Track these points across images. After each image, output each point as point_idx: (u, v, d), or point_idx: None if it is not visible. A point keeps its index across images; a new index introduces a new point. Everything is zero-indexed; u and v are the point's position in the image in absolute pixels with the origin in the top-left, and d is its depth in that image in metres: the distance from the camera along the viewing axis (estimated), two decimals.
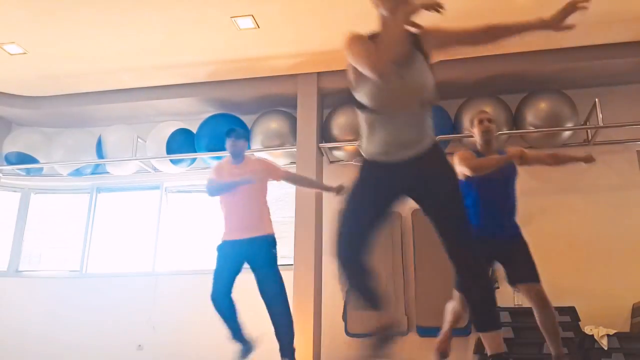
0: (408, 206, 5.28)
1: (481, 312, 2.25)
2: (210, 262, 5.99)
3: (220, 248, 4.03)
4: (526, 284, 3.11)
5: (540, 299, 3.08)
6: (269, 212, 4.13)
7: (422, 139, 2.22)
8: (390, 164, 2.22)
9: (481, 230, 3.12)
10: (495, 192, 3.24)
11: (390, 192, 2.25)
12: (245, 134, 4.24)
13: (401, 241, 5.39)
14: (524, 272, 3.13)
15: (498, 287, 5.09)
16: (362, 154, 2.33)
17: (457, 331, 5.02)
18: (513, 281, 3.21)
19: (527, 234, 5.63)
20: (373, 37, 2.26)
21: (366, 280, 2.25)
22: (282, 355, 3.85)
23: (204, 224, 6.17)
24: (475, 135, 3.38)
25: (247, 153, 5.74)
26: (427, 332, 5.06)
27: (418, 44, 2.21)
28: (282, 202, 5.98)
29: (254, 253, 3.92)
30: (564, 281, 5.06)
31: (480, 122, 3.34)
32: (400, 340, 5.15)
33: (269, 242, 3.98)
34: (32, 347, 5.87)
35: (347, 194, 2.29)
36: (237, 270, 3.97)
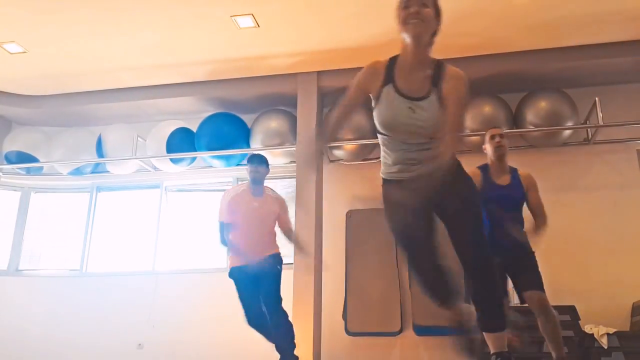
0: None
1: (489, 313, 2.24)
2: (210, 260, 6.02)
3: (233, 274, 4.08)
4: (530, 292, 3.31)
5: (543, 305, 3.29)
6: (276, 235, 4.23)
7: (436, 158, 2.17)
8: (405, 179, 2.23)
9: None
10: (501, 207, 3.32)
11: (416, 204, 2.20)
12: (266, 160, 4.25)
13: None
14: (529, 281, 3.32)
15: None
16: (381, 175, 2.38)
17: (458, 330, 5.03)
18: (519, 289, 3.39)
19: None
20: (393, 60, 2.27)
21: (447, 282, 2.29)
22: None
23: (204, 223, 6.17)
24: (487, 151, 3.48)
25: (247, 152, 5.77)
26: (424, 331, 5.05)
27: (438, 78, 2.17)
28: None
29: (262, 269, 4.00)
30: (564, 280, 5.06)
31: (492, 137, 3.42)
32: (397, 339, 5.17)
33: (275, 259, 4.10)
34: (33, 346, 5.88)
35: (386, 218, 2.30)
36: (258, 291, 4.03)
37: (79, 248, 6.34)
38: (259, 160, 4.18)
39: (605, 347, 4.40)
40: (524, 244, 3.36)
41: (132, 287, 5.94)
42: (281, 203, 4.27)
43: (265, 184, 4.25)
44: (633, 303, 4.82)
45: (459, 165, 2.28)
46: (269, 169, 4.30)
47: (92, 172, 6.31)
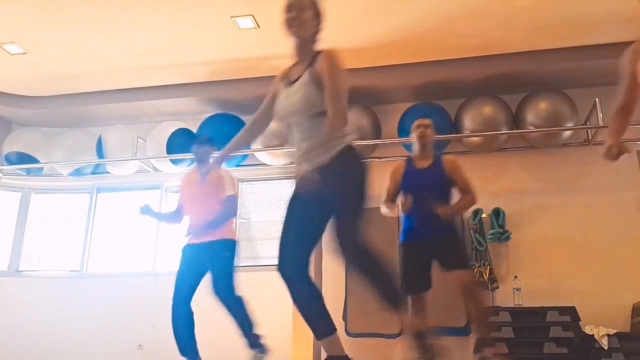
0: None
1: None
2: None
3: (181, 251, 4.07)
4: (455, 272, 3.40)
5: (466, 285, 3.38)
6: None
7: (325, 147, 2.25)
8: (309, 172, 2.24)
9: (415, 231, 3.53)
10: (423, 195, 3.50)
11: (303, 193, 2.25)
12: (209, 139, 4.16)
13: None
14: (453, 261, 3.43)
15: (497, 287, 5.10)
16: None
17: (457, 331, 5.03)
18: (444, 269, 3.47)
19: (527, 233, 5.65)
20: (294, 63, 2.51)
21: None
22: (251, 347, 3.88)
23: None
24: (412, 139, 3.74)
25: (247, 154, 5.77)
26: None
27: (313, 62, 2.35)
28: (282, 202, 5.99)
29: (206, 254, 3.97)
30: (564, 281, 5.06)
31: (417, 127, 3.71)
32: (397, 341, 5.16)
33: (222, 245, 4.00)
34: (33, 347, 5.88)
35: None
36: (197, 275, 4.03)
37: (79, 249, 6.34)
38: (200, 141, 4.09)
39: (606, 348, 4.40)
40: (448, 225, 3.47)
41: (133, 288, 5.94)
42: (224, 180, 4.06)
43: (221, 166, 3.80)
44: (633, 304, 4.82)
45: (348, 149, 2.27)
46: (213, 147, 4.15)
47: (92, 173, 6.31)
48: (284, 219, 2.29)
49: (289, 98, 2.34)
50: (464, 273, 3.41)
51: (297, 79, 2.36)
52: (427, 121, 3.75)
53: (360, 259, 2.17)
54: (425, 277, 3.53)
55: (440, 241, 3.45)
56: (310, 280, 2.23)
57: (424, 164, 3.66)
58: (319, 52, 2.39)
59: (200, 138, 4.15)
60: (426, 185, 3.55)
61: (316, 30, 2.46)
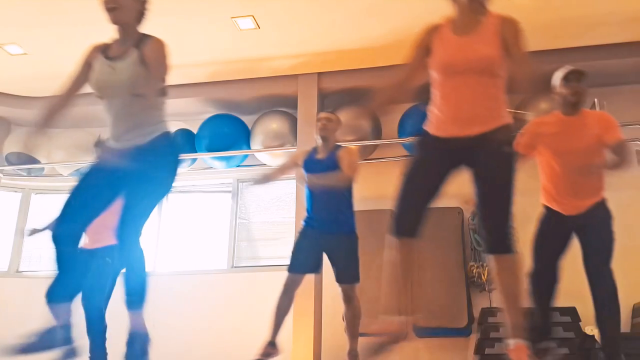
0: None
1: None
2: (210, 262, 6.02)
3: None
4: (342, 285, 3.66)
5: (348, 295, 3.66)
6: None
7: (143, 129, 2.38)
8: (119, 150, 2.37)
9: (310, 221, 3.69)
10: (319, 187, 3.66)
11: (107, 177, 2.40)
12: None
13: None
14: (342, 272, 3.68)
15: (496, 288, 5.09)
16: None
17: (457, 331, 5.02)
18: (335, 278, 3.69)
19: (527, 234, 5.63)
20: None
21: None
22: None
23: (205, 224, 6.17)
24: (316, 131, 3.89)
25: (248, 154, 5.78)
26: (425, 332, 5.04)
27: (141, 44, 2.44)
28: (282, 202, 5.98)
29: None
30: (565, 282, 5.02)
31: (319, 120, 3.86)
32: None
33: (108, 252, 4.12)
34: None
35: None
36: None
37: None
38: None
39: None
40: (345, 230, 3.65)
41: None
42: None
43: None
44: (634, 304, 4.82)
45: (166, 136, 2.48)
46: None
47: None
48: (79, 185, 2.42)
49: (114, 74, 2.38)
50: (347, 286, 3.68)
51: (119, 57, 2.40)
52: (328, 115, 3.88)
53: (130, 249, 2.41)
54: (312, 262, 3.70)
55: (334, 241, 3.62)
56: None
57: (322, 155, 3.80)
58: (145, 36, 2.47)
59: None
60: (318, 175, 3.68)
61: (140, 12, 2.49)
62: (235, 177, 6.21)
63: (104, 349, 3.87)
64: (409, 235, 2.29)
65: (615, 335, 3.01)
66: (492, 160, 2.23)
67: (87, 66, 2.53)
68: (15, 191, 6.58)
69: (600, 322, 3.06)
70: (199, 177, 6.29)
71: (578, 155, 3.09)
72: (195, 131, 5.91)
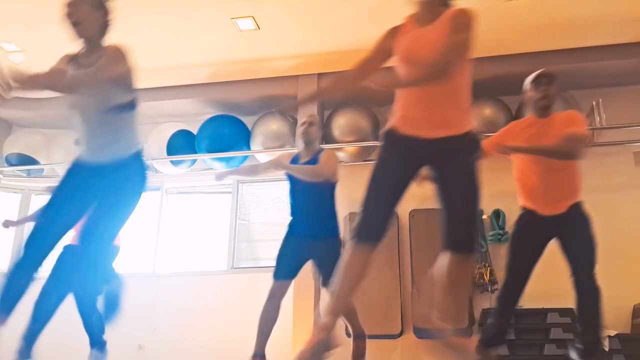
0: (406, 206, 5.28)
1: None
2: (210, 262, 6.01)
3: None
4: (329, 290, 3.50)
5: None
6: None
7: (113, 146, 2.37)
8: (91, 166, 2.37)
9: (294, 226, 3.59)
10: (301, 191, 3.56)
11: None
12: None
13: (398, 241, 5.38)
14: (328, 277, 3.47)
15: (498, 289, 5.09)
16: None
17: (458, 333, 5.02)
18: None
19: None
20: None
21: None
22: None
23: (205, 225, 6.17)
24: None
25: (248, 155, 5.77)
26: (425, 333, 5.04)
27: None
28: (282, 203, 5.98)
29: None
30: (565, 283, 5.00)
31: (302, 124, 3.80)
32: (397, 342, 5.16)
33: None
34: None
35: None
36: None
37: None
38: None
39: (607, 350, 4.39)
40: (328, 235, 3.52)
41: (133, 289, 5.89)
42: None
43: None
44: (634, 305, 4.82)
45: (137, 157, 2.63)
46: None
47: None
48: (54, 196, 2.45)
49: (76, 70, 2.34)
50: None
51: (85, 70, 2.33)
52: (311, 118, 3.81)
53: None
54: (296, 268, 3.57)
55: (319, 246, 3.47)
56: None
57: (304, 159, 3.70)
58: (108, 47, 2.40)
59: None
60: (300, 180, 3.58)
61: (103, 23, 2.44)
62: (235, 178, 6.21)
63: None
64: (376, 240, 2.20)
65: (596, 340, 3.01)
66: (459, 167, 2.19)
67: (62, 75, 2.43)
68: (15, 192, 6.57)
69: (582, 324, 3.06)
70: (199, 178, 6.29)
71: None
72: (195, 132, 5.91)
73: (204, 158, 5.86)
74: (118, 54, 2.30)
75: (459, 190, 2.19)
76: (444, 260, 2.26)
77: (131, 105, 2.49)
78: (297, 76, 5.61)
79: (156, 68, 5.50)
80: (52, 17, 4.62)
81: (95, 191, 2.33)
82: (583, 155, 2.99)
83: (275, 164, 3.74)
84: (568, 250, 3.16)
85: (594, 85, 5.42)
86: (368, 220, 2.21)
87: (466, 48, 2.15)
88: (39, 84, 2.19)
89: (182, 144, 5.87)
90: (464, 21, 2.15)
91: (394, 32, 2.42)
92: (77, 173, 2.36)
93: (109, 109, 2.30)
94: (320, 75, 5.57)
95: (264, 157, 5.82)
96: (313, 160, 3.61)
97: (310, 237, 3.50)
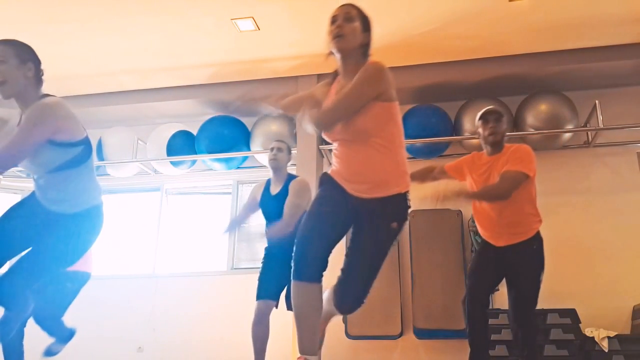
0: None
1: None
2: (210, 263, 6.01)
3: None
4: None
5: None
6: None
7: (64, 204, 2.33)
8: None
9: (271, 249, 3.52)
10: (273, 218, 3.42)
11: None
12: None
13: (398, 241, 5.38)
14: None
15: (497, 290, 5.09)
16: None
17: (457, 333, 5.01)
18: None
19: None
20: None
21: None
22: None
23: (205, 225, 6.17)
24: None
25: (248, 155, 5.77)
26: (425, 334, 5.04)
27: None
28: None
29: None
30: (565, 283, 5.05)
31: (271, 150, 3.65)
32: (397, 342, 5.16)
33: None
34: (32, 349, 5.84)
35: None
36: None
37: None
38: None
39: (606, 351, 4.39)
40: None
41: (132, 290, 5.93)
42: None
43: None
44: (634, 306, 4.82)
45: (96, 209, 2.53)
46: None
47: None
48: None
49: None
50: None
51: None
52: (279, 144, 3.65)
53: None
54: (279, 288, 3.46)
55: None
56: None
57: (275, 189, 3.58)
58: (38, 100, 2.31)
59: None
60: (272, 214, 3.47)
61: (30, 79, 2.52)
62: (235, 179, 6.21)
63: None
64: (316, 280, 2.12)
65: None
66: (375, 232, 2.15)
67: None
68: (15, 193, 6.58)
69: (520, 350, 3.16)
70: (199, 178, 6.29)
71: None
72: (195, 132, 5.91)
73: (204, 159, 5.86)
74: (42, 113, 2.28)
75: (362, 256, 2.17)
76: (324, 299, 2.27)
77: (76, 161, 2.36)
78: (297, 77, 5.61)
79: (156, 69, 5.50)
80: (52, 16, 4.65)
81: (37, 230, 2.30)
82: (510, 195, 2.96)
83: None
84: (512, 290, 3.22)
85: (594, 86, 5.42)
86: (309, 259, 2.12)
87: (359, 96, 2.01)
88: None
89: (182, 144, 5.87)
90: (362, 72, 2.04)
91: (326, 84, 2.33)
92: (30, 206, 2.34)
93: (53, 170, 2.22)
94: (320, 75, 5.57)
95: (263, 158, 5.82)
96: (283, 193, 3.48)
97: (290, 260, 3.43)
